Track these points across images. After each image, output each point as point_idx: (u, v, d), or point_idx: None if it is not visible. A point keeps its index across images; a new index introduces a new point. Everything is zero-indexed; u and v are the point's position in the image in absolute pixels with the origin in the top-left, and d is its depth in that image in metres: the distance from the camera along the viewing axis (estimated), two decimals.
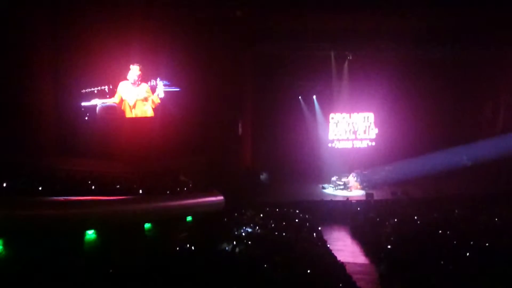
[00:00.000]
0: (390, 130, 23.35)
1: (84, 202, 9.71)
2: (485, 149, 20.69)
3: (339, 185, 21.51)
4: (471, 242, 11.71)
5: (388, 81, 22.50)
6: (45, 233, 8.35)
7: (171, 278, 8.74)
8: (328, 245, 13.53)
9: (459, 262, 10.23)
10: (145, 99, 19.21)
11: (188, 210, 13.98)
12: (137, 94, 19.06)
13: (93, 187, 11.38)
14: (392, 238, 12.77)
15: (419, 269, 10.00)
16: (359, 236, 15.55)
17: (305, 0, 18.58)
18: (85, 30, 16.89)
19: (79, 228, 9.50)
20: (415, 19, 19.56)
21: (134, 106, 19.13)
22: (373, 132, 23.99)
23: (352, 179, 21.59)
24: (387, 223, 14.70)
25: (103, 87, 18.68)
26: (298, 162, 22.59)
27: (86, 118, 18.65)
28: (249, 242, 11.99)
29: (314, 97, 23.96)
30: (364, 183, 21.68)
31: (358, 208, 17.70)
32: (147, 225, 11.98)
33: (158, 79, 19.18)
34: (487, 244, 11.40)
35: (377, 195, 19.63)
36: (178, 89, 19.32)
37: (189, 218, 14.06)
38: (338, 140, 24.01)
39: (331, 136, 23.95)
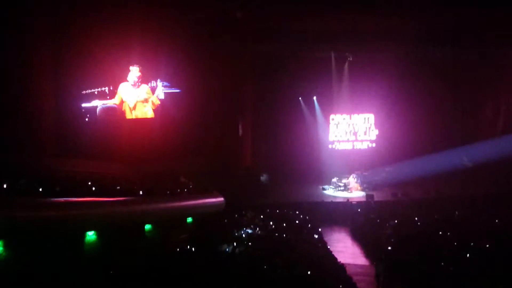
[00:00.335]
0: (391, 131, 23.33)
1: (84, 203, 9.71)
2: (485, 150, 20.70)
3: (340, 186, 21.49)
4: (472, 243, 11.70)
5: (389, 82, 22.52)
6: (46, 234, 8.34)
7: (171, 279, 8.74)
8: (329, 247, 13.50)
9: (459, 263, 10.22)
10: (146, 101, 19.22)
11: (188, 211, 13.98)
12: (137, 95, 19.07)
13: (93, 188, 11.37)
14: (392, 239, 12.76)
15: (419, 270, 9.98)
16: (359, 237, 15.54)
17: (305, 1, 18.59)
18: (85, 31, 16.92)
19: (79, 229, 9.50)
20: (415, 20, 19.61)
21: (134, 108, 19.14)
22: (374, 133, 23.98)
23: (352, 180, 21.57)
24: (387, 224, 14.68)
25: (103, 88, 18.71)
26: (298, 163, 22.58)
27: (87, 119, 18.68)
28: (249, 243, 11.99)
29: (315, 98, 23.97)
30: (365, 184, 21.66)
31: (359, 209, 17.69)
32: (147, 226, 11.97)
33: (158, 80, 19.20)
34: (487, 245, 11.38)
35: (378, 196, 19.60)
36: (178, 90, 19.33)
37: (189, 219, 14.06)
38: (339, 141, 24.01)
39: (331, 137, 23.95)
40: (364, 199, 19.43)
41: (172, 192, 14.66)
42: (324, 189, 21.84)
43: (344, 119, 24.00)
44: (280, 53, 21.99)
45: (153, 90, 19.29)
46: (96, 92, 18.65)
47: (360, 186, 21.59)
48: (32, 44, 15.70)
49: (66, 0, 16.94)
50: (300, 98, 23.85)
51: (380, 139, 23.85)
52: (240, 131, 21.34)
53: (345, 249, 14.67)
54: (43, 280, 7.69)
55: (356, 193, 21.00)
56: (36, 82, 15.93)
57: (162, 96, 19.29)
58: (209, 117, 19.62)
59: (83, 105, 18.61)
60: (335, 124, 24.00)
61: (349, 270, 10.81)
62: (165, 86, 19.28)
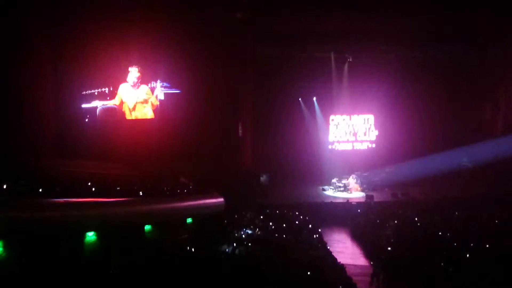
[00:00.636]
0: (390, 132, 23.34)
1: (84, 204, 9.71)
2: (485, 150, 20.70)
3: (339, 187, 21.49)
4: (471, 244, 11.71)
5: (388, 83, 22.53)
6: (45, 235, 8.34)
7: (171, 280, 8.73)
8: (328, 247, 13.50)
9: (459, 264, 10.22)
10: (145, 101, 19.24)
11: (188, 212, 13.97)
12: (137, 96, 19.09)
13: (93, 188, 11.38)
14: (392, 240, 12.76)
15: (419, 271, 9.99)
16: (359, 237, 15.53)
17: (305, 2, 18.61)
18: (85, 32, 16.96)
19: (79, 230, 9.50)
20: (415, 21, 19.61)
21: (133, 109, 19.16)
22: (373, 134, 23.99)
23: (352, 181, 21.57)
24: (387, 225, 14.70)
25: (103, 89, 18.74)
26: (298, 164, 22.59)
27: (86, 120, 18.70)
28: (249, 244, 11.99)
29: (314, 98, 23.96)
30: (364, 185, 21.65)
31: (358, 210, 17.70)
32: (147, 227, 11.96)
33: (158, 81, 19.22)
34: (487, 246, 11.39)
35: (377, 197, 19.61)
36: (178, 91, 19.35)
37: (189, 220, 14.05)
38: (338, 142, 24.01)
39: (331, 138, 23.95)
40: (364, 200, 19.44)
41: (172, 193, 14.67)
42: (324, 189, 21.84)
43: (344, 119, 24.01)
44: (280, 53, 22.00)
45: (152, 90, 19.31)
46: (96, 93, 18.68)
47: (360, 187, 21.58)
48: (33, 45, 15.73)
49: (66, 2, 16.96)
50: (300, 99, 23.85)
51: (380, 139, 23.85)
52: (240, 132, 21.34)
53: (345, 250, 14.65)
54: (42, 280, 7.68)
55: (356, 194, 20.99)
56: (36, 83, 15.96)
57: (161, 97, 19.30)
58: (209, 117, 19.62)
59: (83, 105, 18.63)
60: (335, 124, 24.00)
61: (349, 271, 10.81)
62: (165, 87, 19.30)
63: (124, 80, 18.93)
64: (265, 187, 21.00)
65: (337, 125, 24.02)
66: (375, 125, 23.94)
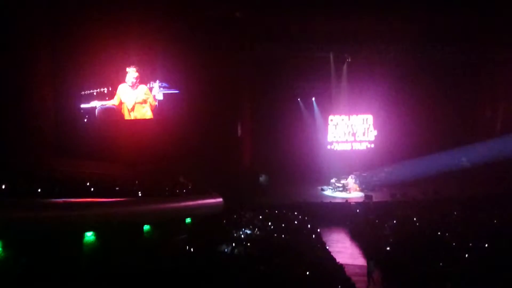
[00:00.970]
0: (389, 132, 23.35)
1: (83, 204, 9.72)
2: (484, 150, 20.72)
3: (338, 187, 21.51)
4: (470, 244, 11.72)
5: (387, 83, 22.53)
6: (44, 235, 8.34)
7: (170, 280, 8.74)
8: (327, 247, 13.52)
9: (458, 263, 10.23)
10: (144, 102, 19.23)
11: (187, 212, 13.98)
12: (135, 96, 19.08)
13: (92, 189, 11.38)
14: (391, 240, 12.78)
15: (418, 270, 10.00)
16: (358, 237, 15.54)
17: (304, 2, 18.63)
18: (84, 32, 16.93)
19: (78, 230, 9.50)
20: (414, 21, 19.65)
21: (132, 109, 19.15)
22: (372, 134, 24.00)
23: (351, 181, 21.58)
24: (386, 225, 14.71)
25: (102, 89, 18.72)
26: (297, 164, 22.59)
27: (85, 120, 18.68)
28: (248, 244, 11.99)
29: (313, 99, 23.98)
30: (363, 185, 21.69)
31: (357, 210, 17.71)
32: (146, 227, 11.97)
33: (157, 81, 19.21)
34: (486, 245, 11.41)
35: (376, 197, 19.62)
36: (177, 91, 19.34)
37: (188, 220, 14.05)
38: (337, 142, 24.01)
39: (330, 138, 23.96)
40: (362, 200, 19.46)
41: (171, 193, 14.67)
42: (323, 189, 21.85)
43: (342, 120, 24.01)
44: (279, 54, 22.00)
45: (151, 91, 19.30)
46: (95, 93, 18.67)
47: (359, 187, 21.61)
48: (32, 46, 15.69)
49: (65, 3, 16.94)
50: (298, 99, 23.87)
51: (379, 140, 23.86)
52: (239, 132, 21.36)
53: (344, 250, 14.66)
54: (42, 280, 7.68)
55: (354, 194, 21.01)
56: (36, 83, 15.93)
57: (160, 97, 19.30)
58: (208, 118, 19.62)
59: (82, 105, 18.62)
60: (333, 125, 24.01)
61: (348, 271, 10.84)
62: (164, 87, 19.29)
63: (123, 81, 18.92)
64: (264, 187, 21.02)
65: (336, 125, 24.02)
66: (374, 125, 23.95)
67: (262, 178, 21.31)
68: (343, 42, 21.49)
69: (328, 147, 23.92)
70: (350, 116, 23.99)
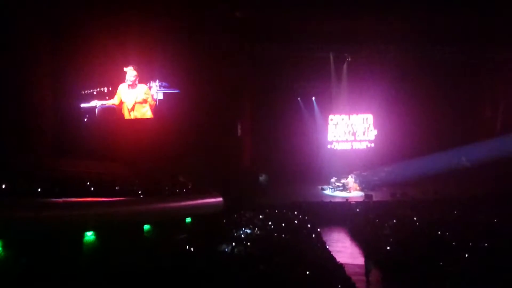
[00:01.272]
0: (389, 131, 23.35)
1: (83, 204, 9.72)
2: (483, 150, 20.72)
3: (338, 186, 21.51)
4: (470, 243, 11.72)
5: (387, 83, 22.53)
6: (44, 235, 8.34)
7: (169, 279, 8.73)
8: (327, 246, 13.52)
9: (458, 263, 10.23)
10: (144, 101, 19.23)
11: (187, 211, 13.98)
12: (135, 96, 19.08)
13: (92, 188, 11.39)
14: (391, 239, 12.77)
15: (417, 270, 10.00)
16: (358, 237, 15.54)
17: (304, 1, 18.60)
18: (84, 31, 16.93)
19: (78, 229, 9.50)
20: (414, 21, 19.62)
21: (132, 108, 19.15)
22: (372, 133, 24.00)
23: (351, 181, 21.58)
24: (386, 224, 14.70)
25: (102, 89, 18.73)
26: (297, 164, 22.59)
27: (85, 119, 18.69)
28: (248, 244, 11.99)
29: (313, 98, 23.98)
30: (363, 185, 21.68)
31: (357, 210, 17.70)
32: (146, 227, 11.97)
33: (157, 80, 19.21)
34: (486, 245, 11.40)
35: (376, 197, 19.62)
36: (177, 91, 19.34)
37: (188, 220, 14.05)
38: (337, 141, 24.01)
39: (330, 137, 23.96)
40: (362, 199, 19.46)
41: (171, 192, 14.67)
42: (323, 189, 21.86)
43: (343, 119, 24.01)
44: (279, 53, 21.99)
45: (151, 90, 19.30)
46: (95, 92, 18.67)
47: (359, 186, 21.60)
48: (32, 45, 15.70)
49: (65, 2, 16.93)
50: (298, 98, 23.87)
51: (379, 139, 23.86)
52: (239, 132, 21.35)
53: (344, 249, 14.66)
54: (41, 280, 7.68)
55: (354, 193, 21.01)
56: (36, 82, 15.94)
57: (159, 96, 19.30)
58: (208, 117, 19.61)
59: (82, 105, 18.63)
60: (334, 124, 24.01)
61: (348, 270, 10.83)
62: (164, 87, 19.29)
63: (124, 80, 18.92)
64: (264, 187, 21.01)
65: (336, 125, 24.02)
66: (374, 124, 23.95)
67: (262, 178, 21.30)
68: (343, 41, 21.46)
69: (328, 146, 23.92)
70: (350, 115, 23.98)
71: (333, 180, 21.86)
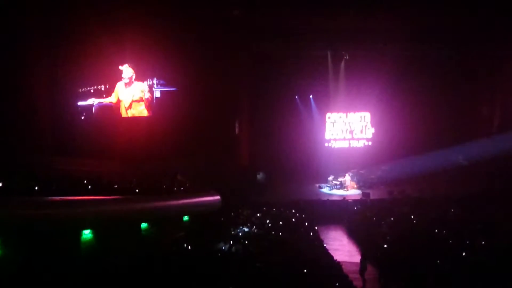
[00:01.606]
0: (387, 129, 23.39)
1: (80, 202, 9.68)
2: (481, 148, 20.77)
3: (336, 184, 21.56)
4: (467, 241, 11.76)
5: (385, 81, 22.53)
6: (42, 233, 8.32)
7: (167, 277, 8.74)
8: (325, 245, 13.56)
9: (455, 261, 10.26)
10: (141, 99, 19.17)
11: (185, 209, 13.97)
12: (132, 94, 19.03)
13: (89, 186, 11.34)
14: (388, 237, 12.81)
15: (415, 268, 10.03)
16: (355, 235, 15.58)
17: (302, 0, 18.60)
18: (81, 29, 16.86)
19: (75, 227, 9.48)
20: (412, 19, 19.64)
21: (129, 107, 19.10)
22: (370, 131, 24.04)
23: (348, 179, 21.62)
24: (383, 222, 14.74)
25: (99, 87, 18.67)
26: (294, 162, 22.61)
27: (82, 117, 18.64)
28: (246, 242, 12.01)
29: (311, 96, 23.99)
30: (361, 183, 21.73)
31: (355, 208, 17.75)
32: (144, 225, 11.96)
33: (155, 78, 19.18)
34: (483, 243, 11.44)
35: (374, 195, 19.68)
36: (174, 89, 19.31)
37: (186, 218, 14.05)
38: (335, 139, 24.04)
39: (327, 135, 23.99)
40: (360, 197, 19.50)
41: (169, 191, 14.66)
42: (320, 187, 21.90)
43: (340, 117, 24.04)
44: (277, 51, 22.00)
45: (150, 88, 19.26)
46: (92, 90, 18.62)
47: (356, 184, 21.65)
48: (29, 43, 15.62)
49: (62, 1, 16.87)
50: (296, 97, 23.86)
51: (376, 137, 23.91)
52: (237, 130, 21.34)
53: (341, 247, 14.71)
54: (39, 278, 7.67)
55: (352, 191, 21.06)
56: (32, 80, 15.86)
57: (157, 94, 19.27)
58: (206, 115, 19.58)
59: (79, 103, 18.57)
60: (331, 122, 24.03)
61: (345, 268, 10.86)
62: (161, 85, 19.26)
63: (121, 78, 18.87)
64: (262, 185, 21.03)
65: (333, 123, 24.05)
66: (371, 122, 24.00)
67: (259, 176, 21.32)
68: (341, 39, 21.48)
69: (326, 144, 23.96)
70: (348, 113, 24.03)
71: (330, 178, 21.90)
